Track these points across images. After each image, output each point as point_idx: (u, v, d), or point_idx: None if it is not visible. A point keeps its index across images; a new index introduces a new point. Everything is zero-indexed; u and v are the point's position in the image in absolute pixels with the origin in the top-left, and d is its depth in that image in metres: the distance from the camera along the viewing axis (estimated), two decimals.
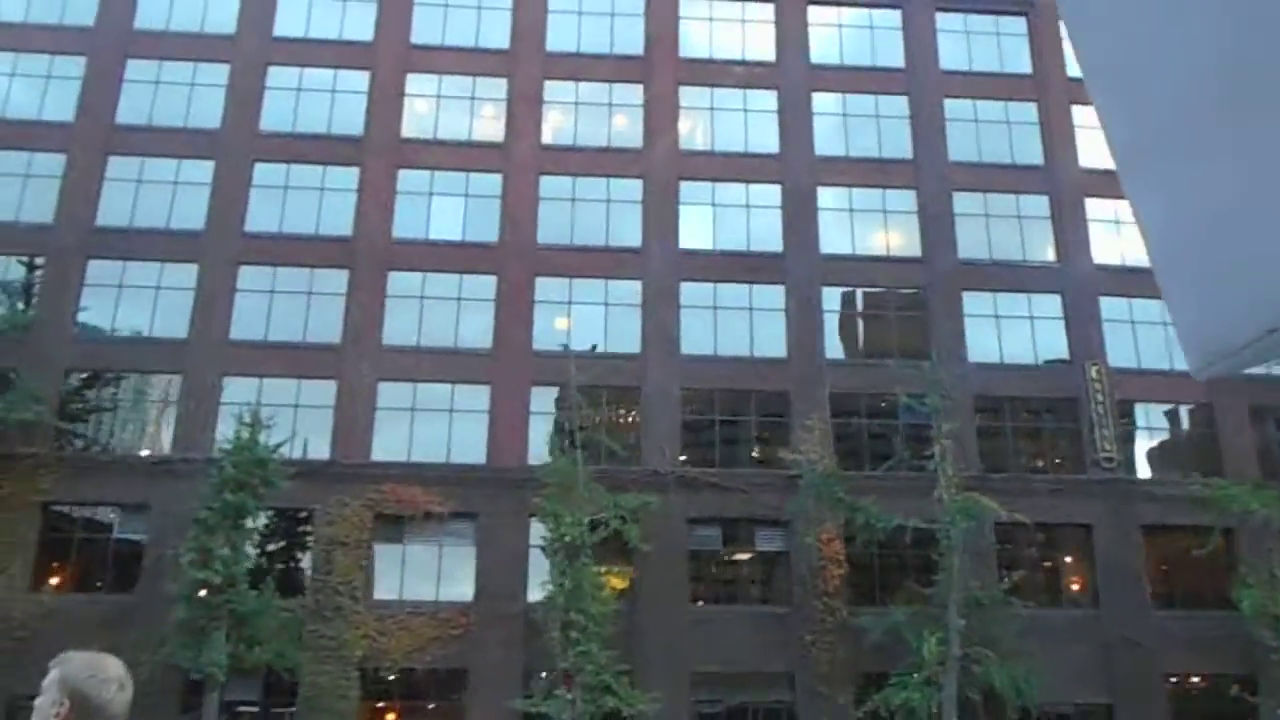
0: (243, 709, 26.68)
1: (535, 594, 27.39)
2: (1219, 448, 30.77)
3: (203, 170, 31.35)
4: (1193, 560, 29.32)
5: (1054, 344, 31.61)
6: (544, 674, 26.05)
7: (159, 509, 28.02)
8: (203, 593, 24.92)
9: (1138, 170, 0.94)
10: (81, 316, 29.62)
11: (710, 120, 33.29)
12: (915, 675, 25.64)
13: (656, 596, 27.73)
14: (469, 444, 29.54)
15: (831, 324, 31.59)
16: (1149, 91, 0.89)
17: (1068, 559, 30.51)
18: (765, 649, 27.94)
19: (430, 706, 28.38)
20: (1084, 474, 30.24)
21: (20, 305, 29.47)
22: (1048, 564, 30.23)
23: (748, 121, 33.09)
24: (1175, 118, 0.87)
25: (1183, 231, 0.90)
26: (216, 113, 31.94)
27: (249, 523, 25.73)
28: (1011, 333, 31.34)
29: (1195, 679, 29.13)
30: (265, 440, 26.38)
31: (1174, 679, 28.75)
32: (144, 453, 28.91)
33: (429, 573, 28.78)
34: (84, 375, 29.63)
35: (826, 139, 33.02)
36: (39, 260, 30.25)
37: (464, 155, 32.07)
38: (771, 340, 30.94)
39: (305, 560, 28.30)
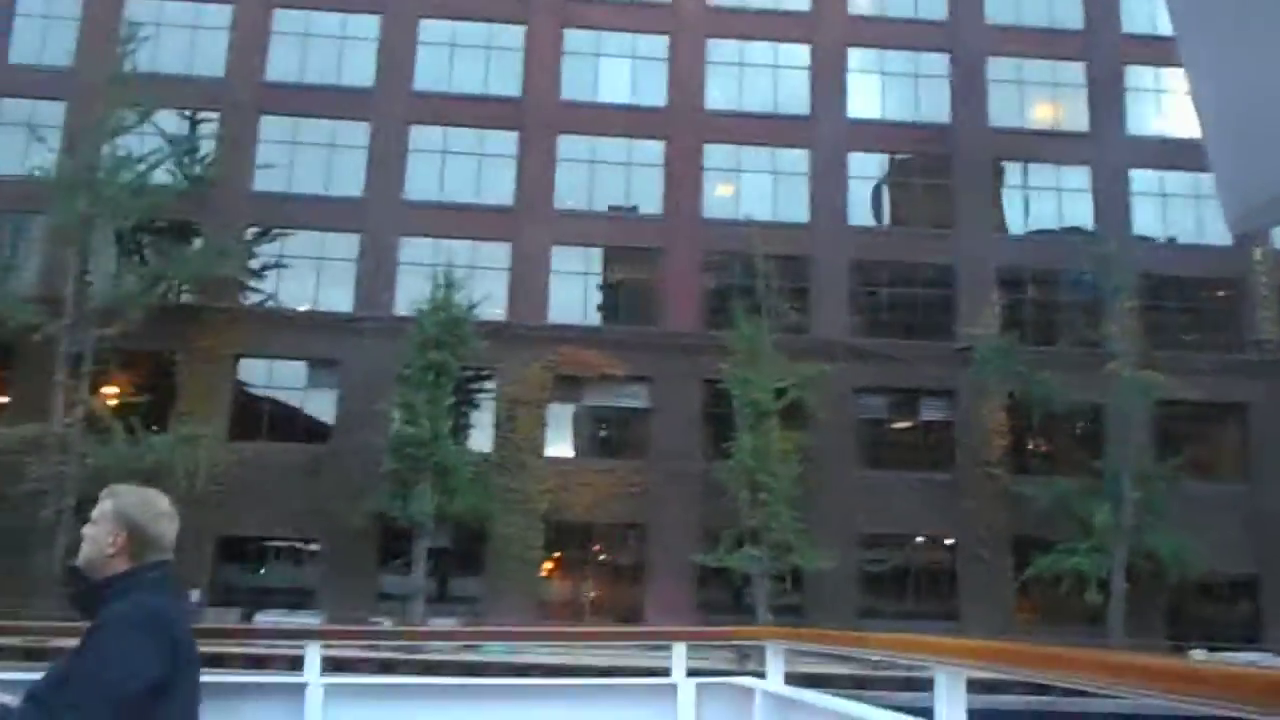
0: (440, 556, 28.02)
1: (709, 455, 28.42)
2: None
3: (369, 26, 30.98)
4: None
5: (1218, 225, 31.47)
6: (726, 530, 27.16)
7: (347, 364, 28.90)
8: (408, 446, 26.00)
9: (1193, 29, 0.96)
10: (258, 173, 29.73)
11: None
12: (1083, 543, 26.72)
13: (827, 461, 28.62)
14: (642, 308, 30.08)
15: (1000, 200, 31.47)
16: None
17: (1223, 435, 31.20)
18: (928, 514, 29.03)
19: (612, 558, 29.76)
20: (1243, 354, 30.64)
21: (200, 159, 29.57)
22: (1204, 440, 30.91)
23: None
24: None
25: (1229, 72, 0.91)
26: None
27: (446, 380, 26.52)
28: (1178, 211, 31.23)
29: None
30: (460, 300, 27.00)
31: None
32: (330, 309, 29.47)
33: (608, 433, 29.75)
34: (263, 232, 29.98)
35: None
36: (208, 115, 30.21)
37: (631, 15, 31.52)
38: (942, 212, 31.02)
39: (488, 417, 29.19)
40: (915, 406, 30.49)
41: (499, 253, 29.87)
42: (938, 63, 31.79)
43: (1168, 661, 1.77)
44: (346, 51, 30.86)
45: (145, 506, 2.76)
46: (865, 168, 31.18)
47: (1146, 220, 31.22)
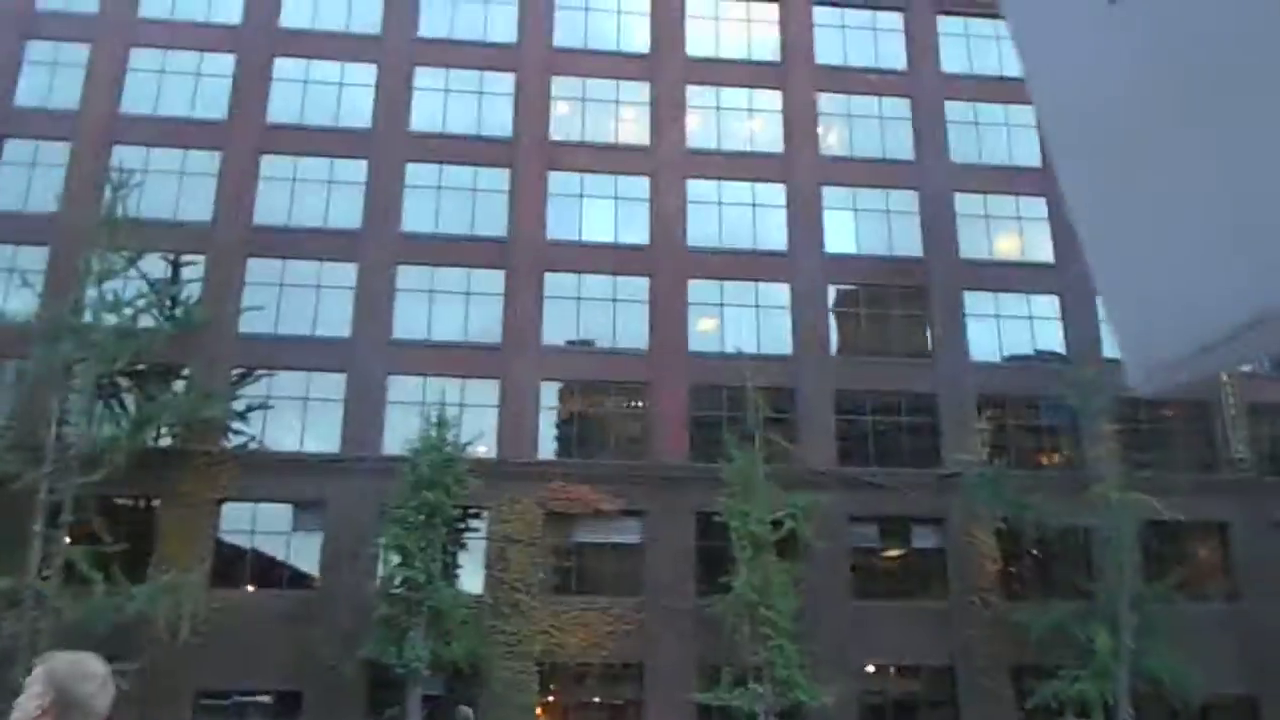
0: (434, 704, 27.01)
1: (703, 590, 28.09)
2: None
3: (356, 170, 31.61)
4: None
5: None
6: (727, 668, 26.58)
7: (333, 506, 28.36)
8: (401, 589, 25.36)
9: (1077, 179, 0.98)
10: (245, 316, 29.66)
11: (849, 126, 34.00)
12: (1085, 669, 26.59)
13: (821, 593, 28.41)
14: (632, 443, 30.11)
15: (974, 329, 32.38)
16: (1089, 96, 0.95)
17: (1206, 555, 31.61)
18: (926, 643, 28.79)
19: (608, 702, 28.91)
20: (1218, 473, 31.37)
21: (185, 303, 29.47)
22: (1188, 560, 31.27)
23: (883, 128, 33.85)
24: (1115, 125, 0.93)
25: (1120, 243, 0.94)
26: (366, 112, 32.20)
27: (440, 521, 26.09)
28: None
29: None
30: (453, 439, 26.83)
31: None
32: (316, 450, 29.05)
33: (600, 570, 29.34)
34: (248, 373, 29.73)
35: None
36: (193, 258, 30.27)
37: (611, 158, 32.57)
38: (918, 341, 31.82)
39: (478, 558, 28.64)
40: (906, 534, 30.58)
41: (487, 390, 29.88)
42: (908, 199, 33.10)
43: None
44: (334, 195, 31.35)
45: (74, 670, 2.75)
46: (843, 299, 32.02)
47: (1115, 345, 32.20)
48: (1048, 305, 32.72)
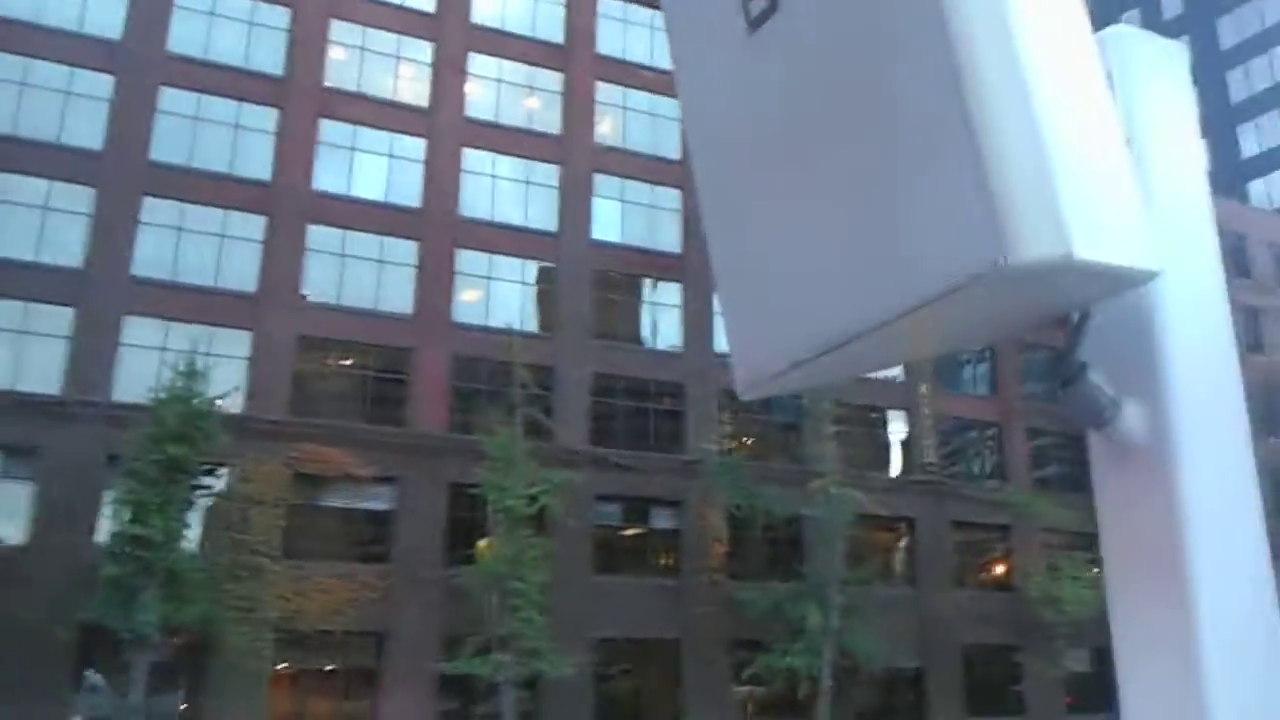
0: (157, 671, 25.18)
1: (453, 560, 28.25)
2: (1004, 459, 37.51)
3: (102, 84, 28.59)
4: (985, 549, 35.79)
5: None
6: (471, 637, 26.87)
7: (49, 453, 25.67)
8: (130, 549, 23.47)
9: (711, 203, 1.09)
10: None
11: (623, 118, 35.08)
12: (795, 644, 29.44)
13: (564, 566, 29.32)
14: (389, 408, 29.56)
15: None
16: (728, 113, 1.08)
17: (896, 546, 35.81)
18: (658, 617, 30.58)
19: (346, 669, 28.22)
20: (910, 475, 35.64)
21: None
22: (882, 550, 35.27)
23: (655, 125, 35.22)
24: (746, 143, 1.05)
25: (739, 256, 1.05)
26: (118, 23, 29.17)
27: (184, 477, 24.39)
28: None
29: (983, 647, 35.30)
30: (202, 391, 25.10)
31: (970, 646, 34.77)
32: (30, 390, 26.08)
33: (348, 535, 28.60)
34: None
35: None
36: None
37: (388, 115, 31.62)
38: (671, 333, 33.59)
39: (217, 518, 26.96)
40: (647, 515, 32.24)
41: (238, 341, 28.16)
42: (673, 196, 34.68)
43: None
44: (72, 108, 28.16)
45: None
46: (604, 284, 33.10)
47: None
48: None
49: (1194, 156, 1.02)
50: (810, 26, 0.95)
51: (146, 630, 23.25)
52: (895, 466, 36.30)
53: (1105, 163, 0.84)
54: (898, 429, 36.41)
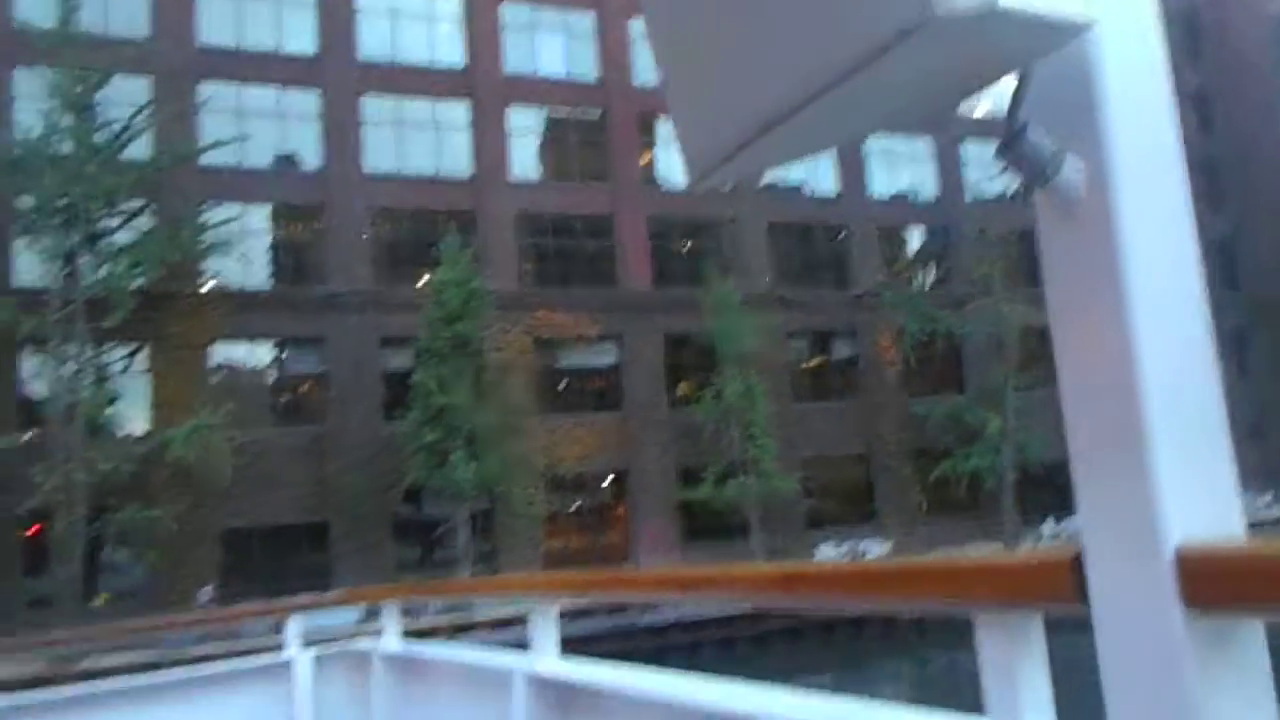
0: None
1: (674, 402, 31.61)
2: None
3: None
4: None
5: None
6: (711, 467, 30.45)
7: (334, 342, 28.44)
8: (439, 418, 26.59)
9: None
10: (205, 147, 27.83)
11: None
12: (975, 447, 33.23)
13: (771, 398, 32.68)
14: (603, 273, 32.23)
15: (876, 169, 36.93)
16: None
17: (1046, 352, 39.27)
18: (847, 436, 34.30)
19: (598, 505, 31.93)
20: None
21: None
22: (1043, 356, 38.74)
23: None
24: None
25: (684, 49, 1.04)
26: None
27: (471, 351, 27.29)
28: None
29: None
30: (473, 273, 27.70)
31: None
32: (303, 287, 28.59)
33: (583, 389, 31.75)
34: (216, 207, 28.16)
35: None
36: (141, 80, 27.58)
37: None
38: (828, 180, 36.01)
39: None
40: (828, 346, 35.47)
41: (464, 225, 30.51)
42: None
43: (694, 570, 2.24)
44: (287, 16, 29.53)
45: None
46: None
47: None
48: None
49: None
50: None
51: (464, 486, 26.67)
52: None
53: None
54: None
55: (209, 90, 28.24)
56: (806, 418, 33.68)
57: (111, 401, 24.93)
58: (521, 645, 3.02)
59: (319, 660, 4.25)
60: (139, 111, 25.53)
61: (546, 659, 2.74)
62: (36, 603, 23.89)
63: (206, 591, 25.89)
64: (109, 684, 4.23)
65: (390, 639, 3.92)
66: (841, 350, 35.59)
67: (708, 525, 31.47)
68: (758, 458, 30.17)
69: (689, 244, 33.23)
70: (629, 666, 2.54)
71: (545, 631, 2.77)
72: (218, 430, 25.13)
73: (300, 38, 29.66)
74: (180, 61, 27.94)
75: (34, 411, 24.62)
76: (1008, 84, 0.93)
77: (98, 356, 24.92)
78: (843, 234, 35.83)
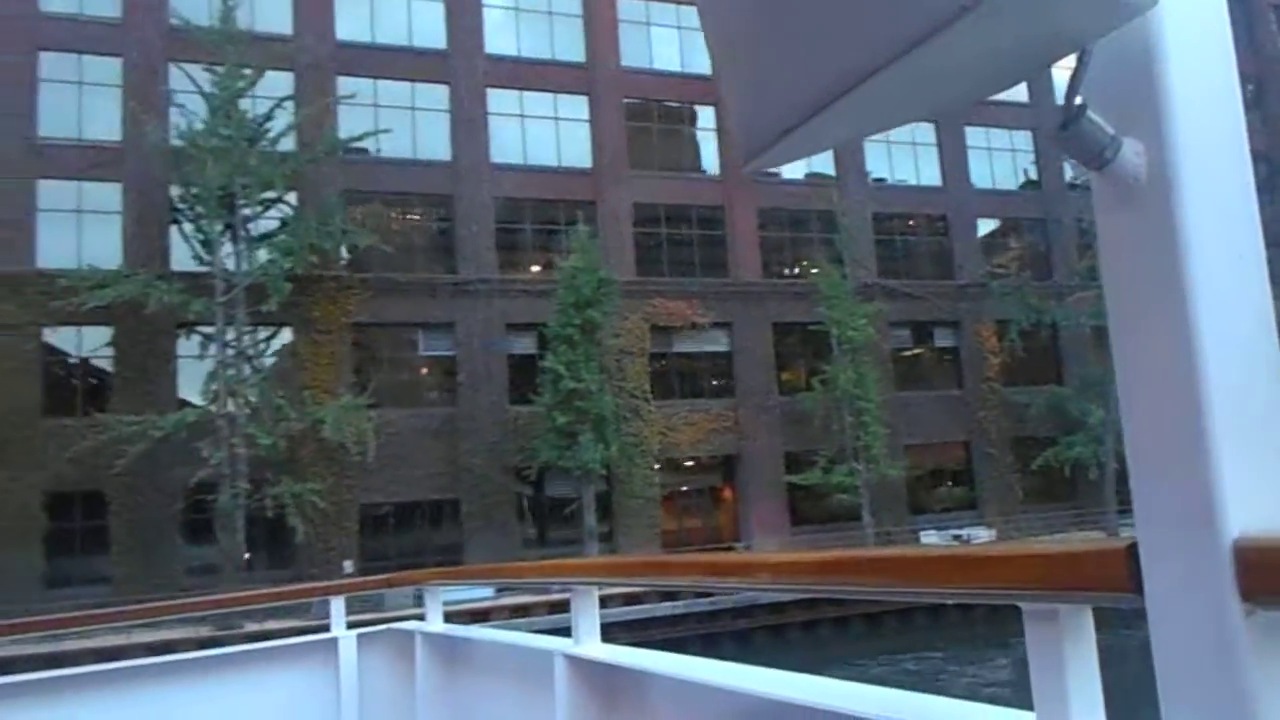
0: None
1: (784, 389, 32.44)
2: None
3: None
4: None
5: None
6: (822, 453, 31.28)
7: (462, 326, 29.60)
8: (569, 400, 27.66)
9: None
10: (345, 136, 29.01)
11: None
12: (1077, 435, 33.74)
13: (877, 385, 33.35)
14: (714, 262, 33.13)
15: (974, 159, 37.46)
16: None
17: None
18: (949, 423, 34.93)
19: (711, 488, 32.92)
20: None
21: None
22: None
23: None
24: None
25: (728, 38, 1.01)
26: None
27: (598, 336, 28.33)
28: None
29: None
30: (600, 263, 28.73)
31: None
32: (438, 275, 29.77)
33: (696, 375, 32.69)
34: (365, 197, 29.30)
35: None
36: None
37: None
38: (930, 171, 36.59)
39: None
40: (931, 335, 36.11)
41: (585, 215, 31.50)
42: None
43: (737, 557, 2.28)
44: (416, 12, 30.68)
45: None
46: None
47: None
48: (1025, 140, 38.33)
49: None
50: None
51: (592, 466, 27.73)
52: None
53: None
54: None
55: (347, 84, 29.44)
56: (909, 405, 34.35)
57: (265, 380, 26.25)
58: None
59: (364, 639, 4.36)
60: (279, 104, 26.72)
61: (588, 642, 2.76)
62: (202, 569, 25.35)
63: (349, 564, 27.21)
64: (168, 659, 4.41)
65: (434, 621, 4.01)
66: (943, 339, 36.20)
67: (814, 509, 32.31)
68: (869, 444, 30.95)
69: (796, 235, 34.02)
70: (669, 654, 2.52)
71: (587, 616, 2.78)
72: (363, 410, 26.38)
73: (430, 33, 30.79)
74: (321, 56, 29.18)
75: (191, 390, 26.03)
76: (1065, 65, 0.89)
77: (254, 338, 26.24)
78: (944, 224, 36.41)
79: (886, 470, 31.28)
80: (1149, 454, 0.88)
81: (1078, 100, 0.86)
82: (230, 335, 25.47)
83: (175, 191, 26.18)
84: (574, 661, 2.72)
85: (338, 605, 4.34)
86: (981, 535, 31.72)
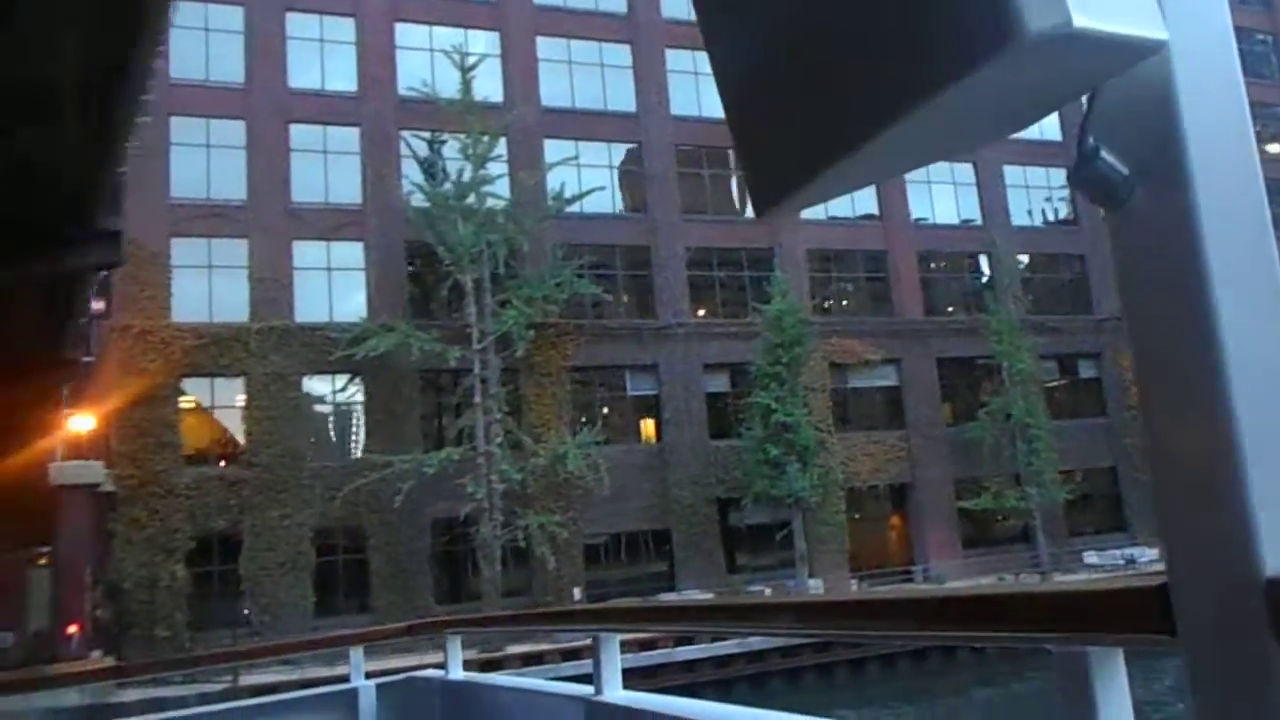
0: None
1: (953, 420, 34.49)
2: None
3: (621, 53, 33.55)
4: None
5: None
6: (993, 479, 33.29)
7: (665, 368, 31.79)
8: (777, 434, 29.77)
9: (715, 16, 1.04)
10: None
11: None
12: None
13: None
14: (880, 303, 35.40)
15: None
16: None
17: None
18: (1098, 450, 36.91)
19: (885, 515, 34.91)
20: None
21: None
22: None
23: None
24: None
25: (747, 78, 1.00)
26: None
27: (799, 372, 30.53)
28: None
29: None
30: (799, 306, 31.02)
31: None
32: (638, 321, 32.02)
33: (870, 408, 34.80)
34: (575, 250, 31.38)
35: None
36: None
37: None
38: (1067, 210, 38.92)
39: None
40: (1075, 367, 38.22)
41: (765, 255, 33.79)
42: None
43: (759, 600, 2.14)
44: (609, 84, 33.22)
45: None
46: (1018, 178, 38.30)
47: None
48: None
49: None
50: None
51: (803, 494, 29.77)
52: None
53: None
54: None
55: (551, 146, 31.88)
56: (1060, 433, 36.29)
57: (510, 418, 28.41)
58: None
59: (383, 689, 4.35)
60: (483, 166, 29.01)
61: (610, 689, 2.75)
62: (452, 596, 27.34)
63: (578, 591, 29.17)
64: (189, 712, 4.50)
65: (454, 669, 4.02)
66: (1086, 370, 38.31)
67: (982, 534, 34.25)
68: (1041, 469, 32.97)
69: (950, 275, 36.29)
70: (691, 700, 2.52)
71: (609, 662, 2.78)
72: (597, 447, 28.48)
73: (622, 98, 33.31)
74: (530, 121, 31.64)
75: (444, 431, 28.22)
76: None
77: (501, 382, 28.42)
78: (1081, 263, 38.66)
79: (1056, 494, 33.26)
80: (1177, 489, 0.87)
81: (1090, 141, 0.87)
82: (487, 379, 27.61)
83: (422, 248, 28.45)
84: (597, 708, 2.75)
85: (357, 655, 4.30)
86: (1147, 556, 33.60)
